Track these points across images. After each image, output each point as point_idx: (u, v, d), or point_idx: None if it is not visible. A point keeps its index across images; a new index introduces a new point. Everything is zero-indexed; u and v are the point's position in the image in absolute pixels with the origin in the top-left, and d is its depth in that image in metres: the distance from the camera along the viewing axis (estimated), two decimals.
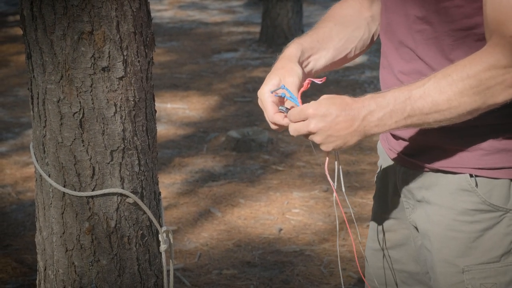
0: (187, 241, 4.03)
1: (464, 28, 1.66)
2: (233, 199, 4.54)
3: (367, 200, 4.47)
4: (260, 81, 7.45)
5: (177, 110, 6.41)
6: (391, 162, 1.90)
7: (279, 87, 1.72)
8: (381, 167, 1.97)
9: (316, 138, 1.64)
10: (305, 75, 1.81)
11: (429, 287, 1.91)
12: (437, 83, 1.59)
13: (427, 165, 1.79)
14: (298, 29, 8.63)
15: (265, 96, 1.73)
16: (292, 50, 1.82)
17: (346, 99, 1.63)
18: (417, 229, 1.87)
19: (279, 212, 4.37)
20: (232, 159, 5.10)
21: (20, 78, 7.44)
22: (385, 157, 1.93)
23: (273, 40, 8.61)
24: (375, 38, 1.98)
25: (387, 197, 1.95)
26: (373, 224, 2.01)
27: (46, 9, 1.76)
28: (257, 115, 6.17)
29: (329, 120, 1.61)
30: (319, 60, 1.88)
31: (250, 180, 4.82)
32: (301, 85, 1.74)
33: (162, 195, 4.49)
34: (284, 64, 1.77)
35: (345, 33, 1.92)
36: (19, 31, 8.54)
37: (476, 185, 1.73)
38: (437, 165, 1.77)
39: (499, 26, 1.57)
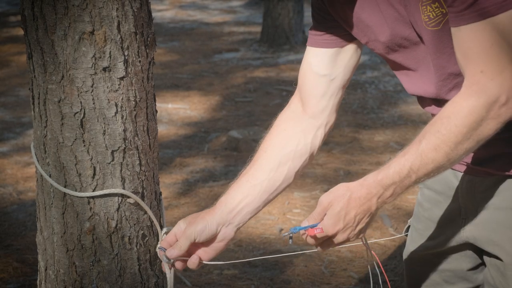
0: None
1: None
2: None
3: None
4: (261, 81, 7.46)
5: (178, 110, 6.41)
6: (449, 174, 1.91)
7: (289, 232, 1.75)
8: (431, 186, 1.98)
9: (351, 240, 1.72)
10: (210, 232, 1.86)
11: (474, 283, 1.96)
12: (430, 143, 1.62)
13: (495, 171, 1.80)
14: (299, 29, 8.63)
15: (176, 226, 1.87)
16: (218, 203, 1.91)
17: (348, 194, 1.69)
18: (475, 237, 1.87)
19: (280, 212, 4.37)
20: (233, 159, 5.10)
21: (21, 78, 7.45)
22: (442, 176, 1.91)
23: (274, 40, 8.62)
24: (319, 140, 1.95)
25: (440, 205, 1.95)
26: (417, 227, 2.02)
27: (47, 9, 1.76)
28: (258, 115, 6.17)
29: (351, 224, 1.69)
30: (247, 214, 1.92)
31: None
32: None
33: (163, 195, 4.48)
34: (200, 214, 1.89)
35: (270, 173, 1.91)
36: (20, 31, 8.54)
37: None
38: (505, 171, 1.79)
39: (467, 66, 1.59)
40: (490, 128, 1.60)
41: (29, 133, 5.81)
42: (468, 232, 1.88)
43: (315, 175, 4.87)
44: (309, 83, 1.90)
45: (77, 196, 1.84)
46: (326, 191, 5.11)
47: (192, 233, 1.82)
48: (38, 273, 2.01)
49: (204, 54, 8.56)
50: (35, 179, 1.98)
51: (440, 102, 1.77)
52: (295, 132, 1.92)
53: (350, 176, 4.84)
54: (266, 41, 8.68)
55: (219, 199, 1.90)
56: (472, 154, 1.82)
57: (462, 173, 1.88)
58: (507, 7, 1.53)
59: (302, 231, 1.72)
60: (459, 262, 1.95)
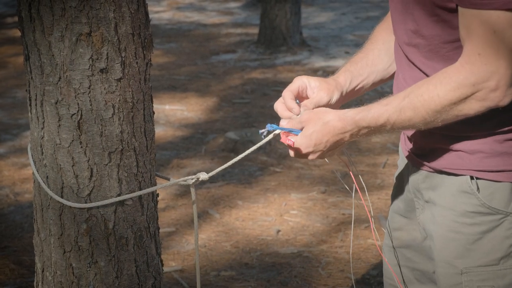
0: (185, 242, 4.03)
1: (453, 40, 1.69)
2: (231, 201, 4.54)
3: (365, 202, 4.47)
4: (258, 83, 7.46)
5: (175, 111, 6.41)
6: (407, 162, 1.93)
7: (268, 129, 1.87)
8: (399, 166, 2.01)
9: (318, 157, 1.83)
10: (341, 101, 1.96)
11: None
12: (411, 102, 1.69)
13: (432, 166, 1.82)
14: (296, 30, 8.63)
15: (284, 94, 1.91)
16: (341, 78, 1.96)
17: (325, 121, 1.79)
18: (425, 230, 1.88)
19: (277, 213, 4.37)
20: (230, 160, 5.08)
21: (19, 80, 7.44)
22: (403, 157, 1.97)
23: (271, 41, 8.61)
24: None
25: (402, 196, 1.98)
26: (389, 222, 2.03)
27: (44, 11, 1.76)
28: (255, 117, 6.17)
29: (322, 147, 1.80)
30: (367, 83, 2.00)
31: (248, 181, 4.82)
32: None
33: (160, 197, 4.49)
34: (331, 81, 1.94)
35: (392, 50, 1.97)
36: (17, 32, 8.54)
37: (478, 187, 1.75)
38: (440, 166, 1.80)
39: (468, 44, 1.63)
40: (472, 108, 1.64)
41: (26, 134, 5.80)
42: (421, 223, 1.89)
43: (312, 176, 4.87)
44: None
45: (74, 201, 1.84)
46: (323, 192, 5.10)
47: (342, 84, 1.94)
48: (35, 274, 2.01)
49: (201, 55, 8.56)
50: (32, 180, 1.98)
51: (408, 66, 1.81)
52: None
53: (347, 177, 4.84)
54: (263, 43, 8.68)
55: (336, 76, 1.98)
56: (415, 144, 1.86)
57: (411, 166, 1.91)
58: None
59: (278, 131, 1.85)
60: (425, 263, 1.94)
